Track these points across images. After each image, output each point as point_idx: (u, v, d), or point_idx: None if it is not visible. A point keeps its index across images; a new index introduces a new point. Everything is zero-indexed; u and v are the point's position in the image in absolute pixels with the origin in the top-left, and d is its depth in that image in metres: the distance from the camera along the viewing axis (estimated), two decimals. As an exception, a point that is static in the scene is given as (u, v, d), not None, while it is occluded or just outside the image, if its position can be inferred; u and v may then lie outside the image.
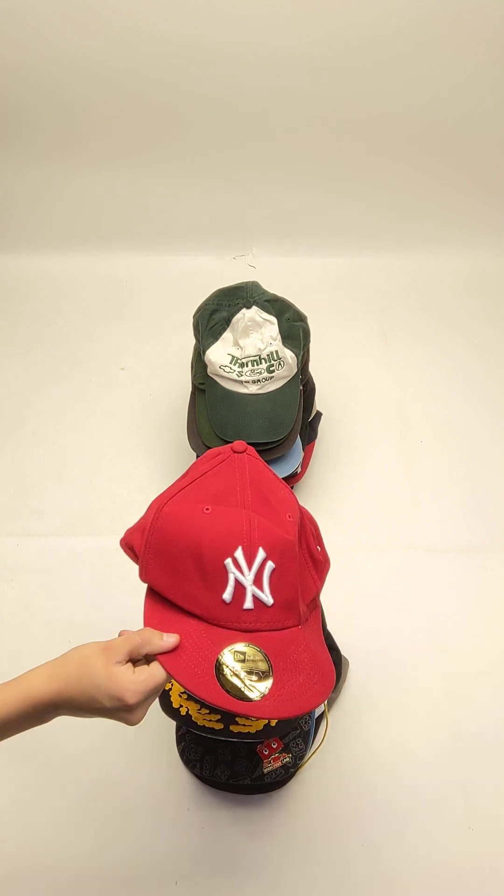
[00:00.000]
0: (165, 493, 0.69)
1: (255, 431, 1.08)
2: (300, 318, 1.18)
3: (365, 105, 1.49)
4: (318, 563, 0.70)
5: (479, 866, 0.88)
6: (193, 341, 1.23)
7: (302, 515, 0.70)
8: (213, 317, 1.15)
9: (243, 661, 0.61)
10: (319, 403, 1.31)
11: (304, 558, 0.68)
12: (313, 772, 0.94)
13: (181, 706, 0.82)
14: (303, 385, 1.19)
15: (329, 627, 0.99)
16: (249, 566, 0.63)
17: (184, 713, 0.82)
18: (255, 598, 0.63)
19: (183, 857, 0.89)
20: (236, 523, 0.65)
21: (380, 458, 1.29)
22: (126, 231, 1.65)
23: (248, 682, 0.59)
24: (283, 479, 1.07)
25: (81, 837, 0.90)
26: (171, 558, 0.64)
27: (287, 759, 0.88)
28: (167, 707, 0.83)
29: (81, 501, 1.24)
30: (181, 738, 0.91)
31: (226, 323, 1.14)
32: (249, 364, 1.12)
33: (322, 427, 1.32)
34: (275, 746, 0.88)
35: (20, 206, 1.64)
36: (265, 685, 0.60)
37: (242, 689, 0.59)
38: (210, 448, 0.80)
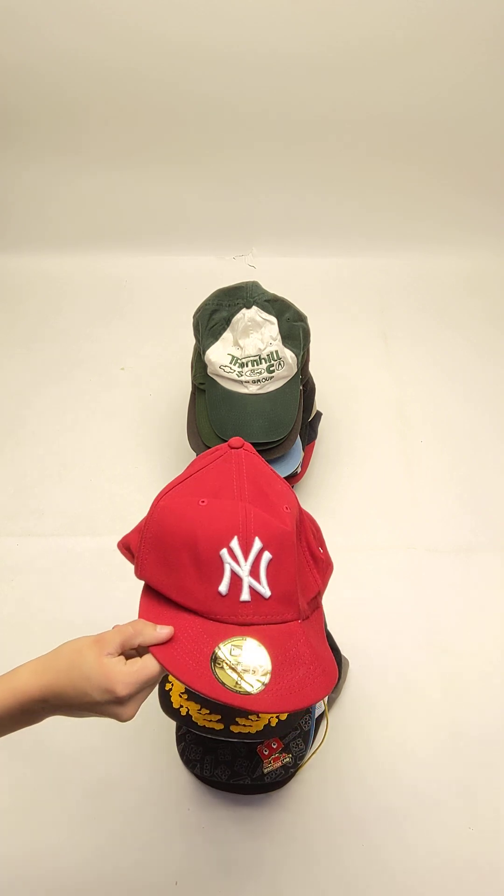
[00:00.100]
0: (163, 490, 0.69)
1: (255, 431, 1.08)
2: (300, 318, 1.18)
3: (365, 105, 1.49)
4: (319, 563, 0.68)
5: (479, 866, 0.88)
6: (193, 341, 1.23)
7: (302, 514, 0.70)
8: (213, 317, 1.15)
9: (240, 654, 0.59)
10: (319, 403, 1.31)
11: (303, 554, 0.67)
12: (313, 772, 0.94)
13: (181, 706, 0.82)
14: (303, 385, 1.19)
15: (329, 627, 0.99)
16: (245, 556, 0.61)
17: (184, 713, 0.82)
18: (252, 590, 0.61)
19: (183, 857, 0.89)
20: (232, 514, 0.63)
21: (380, 458, 1.29)
22: (126, 231, 1.65)
23: (245, 676, 0.57)
24: (283, 479, 1.07)
25: (81, 837, 0.90)
26: (167, 552, 0.63)
27: (287, 759, 0.88)
28: (167, 707, 0.83)
29: (81, 501, 1.24)
30: (181, 738, 0.91)
31: (226, 323, 1.14)
32: (249, 364, 1.12)
33: (322, 427, 1.32)
34: (275, 746, 0.88)
35: (20, 205, 1.64)
36: (263, 679, 0.58)
37: (239, 682, 0.57)
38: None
